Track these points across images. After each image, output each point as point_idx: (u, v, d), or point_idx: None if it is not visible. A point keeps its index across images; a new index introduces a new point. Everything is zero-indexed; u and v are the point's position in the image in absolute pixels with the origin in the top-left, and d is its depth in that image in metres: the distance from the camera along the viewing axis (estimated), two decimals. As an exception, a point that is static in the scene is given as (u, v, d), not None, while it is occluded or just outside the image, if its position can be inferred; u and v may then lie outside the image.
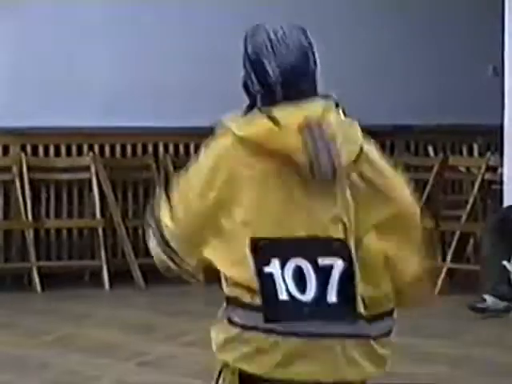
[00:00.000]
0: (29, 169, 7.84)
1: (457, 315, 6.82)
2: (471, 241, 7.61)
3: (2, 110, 8.48)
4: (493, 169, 7.60)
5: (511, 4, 8.76)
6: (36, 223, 7.69)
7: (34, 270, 7.52)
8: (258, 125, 1.77)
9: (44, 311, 6.93)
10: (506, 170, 7.13)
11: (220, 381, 1.99)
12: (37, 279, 7.47)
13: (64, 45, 8.95)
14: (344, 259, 1.77)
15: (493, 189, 7.40)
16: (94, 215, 7.98)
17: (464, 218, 7.48)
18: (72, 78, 8.74)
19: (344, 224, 1.79)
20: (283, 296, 1.81)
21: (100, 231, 7.77)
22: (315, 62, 1.90)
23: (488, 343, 6.32)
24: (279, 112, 1.76)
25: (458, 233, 7.44)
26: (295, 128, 1.75)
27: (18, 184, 7.77)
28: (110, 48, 9.07)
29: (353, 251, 1.80)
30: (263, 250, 1.79)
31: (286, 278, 1.79)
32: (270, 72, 1.80)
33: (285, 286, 1.80)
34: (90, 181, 7.87)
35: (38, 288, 7.48)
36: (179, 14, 9.75)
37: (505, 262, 6.53)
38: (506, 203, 6.90)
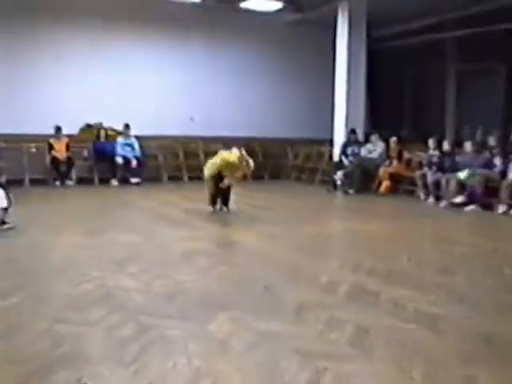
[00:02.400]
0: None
1: (318, 193, 14.77)
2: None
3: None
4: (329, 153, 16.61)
5: (341, 48, 16.21)
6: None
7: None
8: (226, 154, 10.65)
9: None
10: (334, 153, 16.21)
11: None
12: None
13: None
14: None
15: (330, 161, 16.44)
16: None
17: (321, 170, 16.65)
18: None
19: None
20: None
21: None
22: None
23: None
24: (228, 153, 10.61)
25: (319, 177, 16.79)
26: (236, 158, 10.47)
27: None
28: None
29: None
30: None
31: None
32: None
33: None
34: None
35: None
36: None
37: (335, 176, 15.15)
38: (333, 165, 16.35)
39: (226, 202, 11.03)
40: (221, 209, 10.91)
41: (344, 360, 4.18)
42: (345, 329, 4.81)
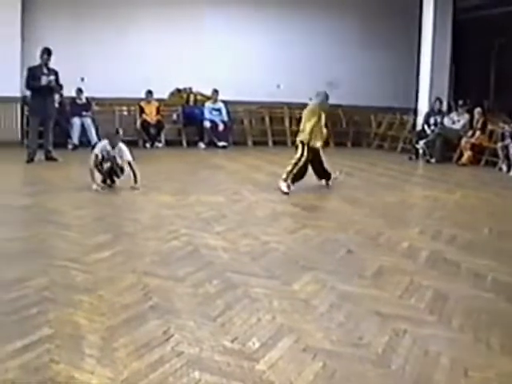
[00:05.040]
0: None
1: (400, 161, 14.33)
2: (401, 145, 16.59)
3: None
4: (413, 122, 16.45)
5: (427, 17, 15.88)
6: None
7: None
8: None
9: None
10: (417, 123, 16.09)
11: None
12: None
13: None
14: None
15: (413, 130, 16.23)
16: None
17: (402, 138, 16.47)
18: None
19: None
20: None
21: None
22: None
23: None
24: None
25: (400, 145, 16.68)
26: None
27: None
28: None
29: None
30: None
31: None
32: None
33: None
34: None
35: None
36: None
37: (417, 145, 15.23)
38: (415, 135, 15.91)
39: (325, 175, 9.98)
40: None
41: (422, 325, 4.15)
42: (424, 295, 4.77)
